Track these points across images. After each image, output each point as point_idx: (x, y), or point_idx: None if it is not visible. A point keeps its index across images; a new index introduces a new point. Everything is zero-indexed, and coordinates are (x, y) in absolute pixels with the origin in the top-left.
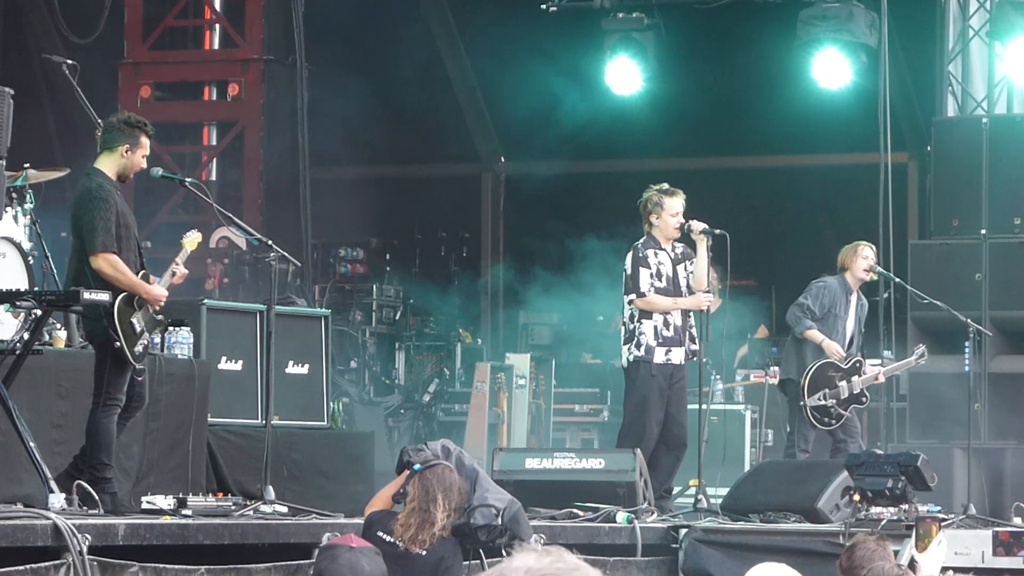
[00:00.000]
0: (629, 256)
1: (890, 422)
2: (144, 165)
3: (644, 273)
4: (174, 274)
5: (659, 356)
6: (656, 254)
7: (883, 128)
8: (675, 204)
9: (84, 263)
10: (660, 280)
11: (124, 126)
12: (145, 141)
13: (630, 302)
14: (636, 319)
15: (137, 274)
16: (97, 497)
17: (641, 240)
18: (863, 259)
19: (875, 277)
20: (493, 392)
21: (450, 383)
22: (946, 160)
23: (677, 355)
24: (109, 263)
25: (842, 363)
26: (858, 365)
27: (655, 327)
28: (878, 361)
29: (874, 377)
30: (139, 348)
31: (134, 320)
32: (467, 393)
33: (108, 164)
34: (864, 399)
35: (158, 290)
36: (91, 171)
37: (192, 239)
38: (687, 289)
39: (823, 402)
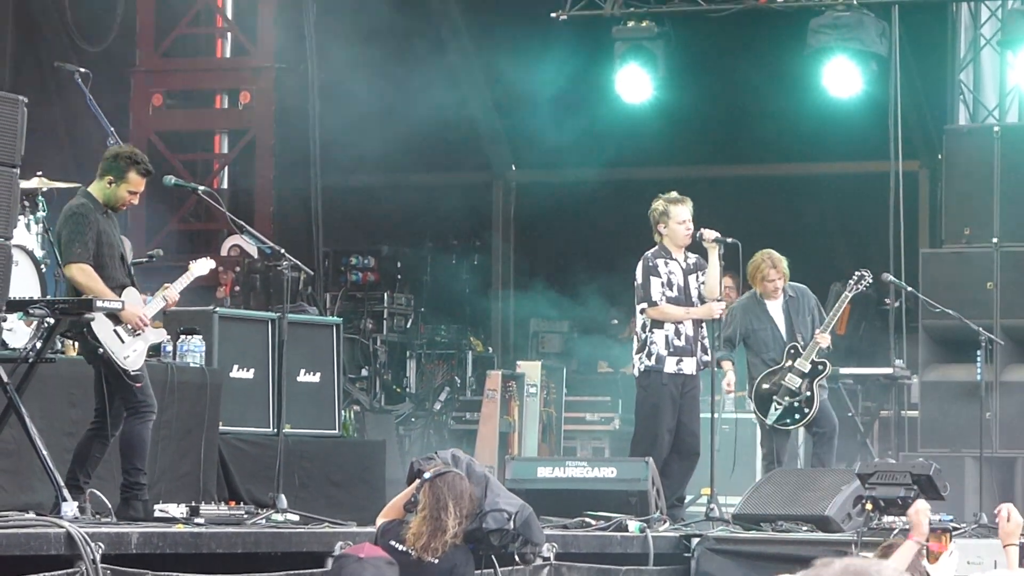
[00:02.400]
0: (640, 266)
1: (901, 431)
2: (132, 201)
3: (655, 282)
4: (166, 299)
5: (670, 366)
6: (667, 263)
7: (894, 137)
8: (682, 212)
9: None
10: (671, 290)
11: (115, 158)
12: (134, 177)
13: (642, 311)
14: (648, 328)
15: (122, 291)
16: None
17: (652, 250)
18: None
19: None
20: (504, 400)
21: (461, 391)
22: (958, 169)
23: (689, 365)
24: (83, 272)
25: (773, 364)
26: (792, 351)
27: (666, 336)
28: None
29: (816, 345)
30: (129, 354)
31: (118, 330)
32: (478, 401)
33: (97, 190)
34: (822, 368)
35: (136, 310)
36: (81, 193)
37: (203, 265)
38: (699, 300)
39: (782, 406)
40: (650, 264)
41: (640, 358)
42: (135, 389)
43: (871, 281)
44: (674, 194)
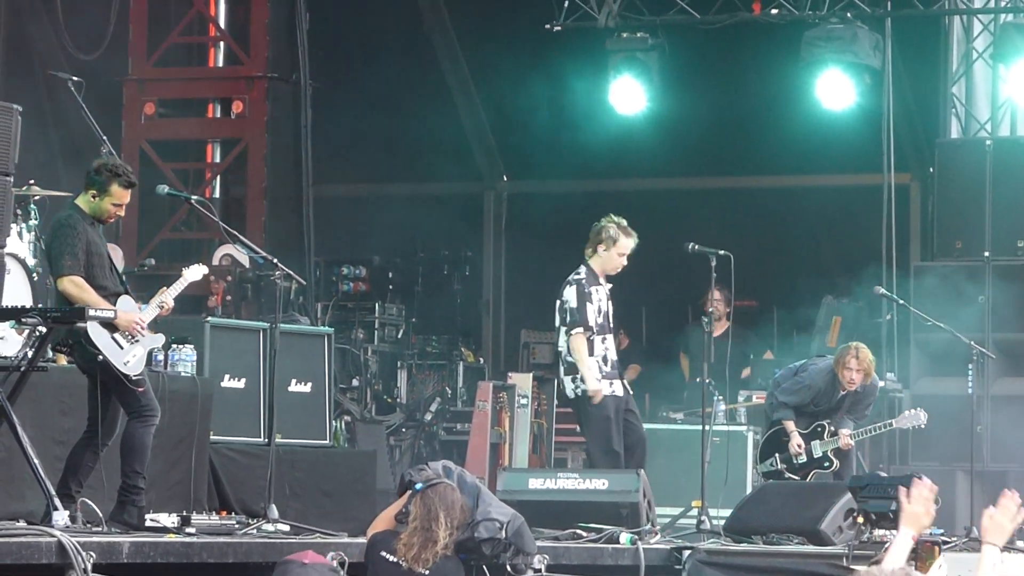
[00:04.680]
0: (573, 290)
1: (892, 444)
2: (119, 214)
3: (591, 309)
4: (161, 305)
5: (605, 389)
6: (597, 290)
7: (887, 149)
8: (629, 245)
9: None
10: (600, 316)
11: (97, 172)
12: (117, 190)
13: (569, 334)
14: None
15: (116, 299)
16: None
17: (584, 275)
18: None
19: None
20: (495, 411)
21: (452, 402)
22: (949, 182)
23: (618, 387)
24: (74, 283)
25: (797, 424)
26: (819, 430)
27: (597, 363)
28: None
29: (837, 441)
30: (129, 360)
31: (116, 336)
32: (469, 412)
33: (83, 203)
34: (828, 465)
35: (132, 315)
36: (68, 205)
37: (195, 271)
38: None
39: (774, 467)
40: (585, 291)
41: (573, 380)
42: (138, 394)
43: (923, 424)
44: (625, 223)
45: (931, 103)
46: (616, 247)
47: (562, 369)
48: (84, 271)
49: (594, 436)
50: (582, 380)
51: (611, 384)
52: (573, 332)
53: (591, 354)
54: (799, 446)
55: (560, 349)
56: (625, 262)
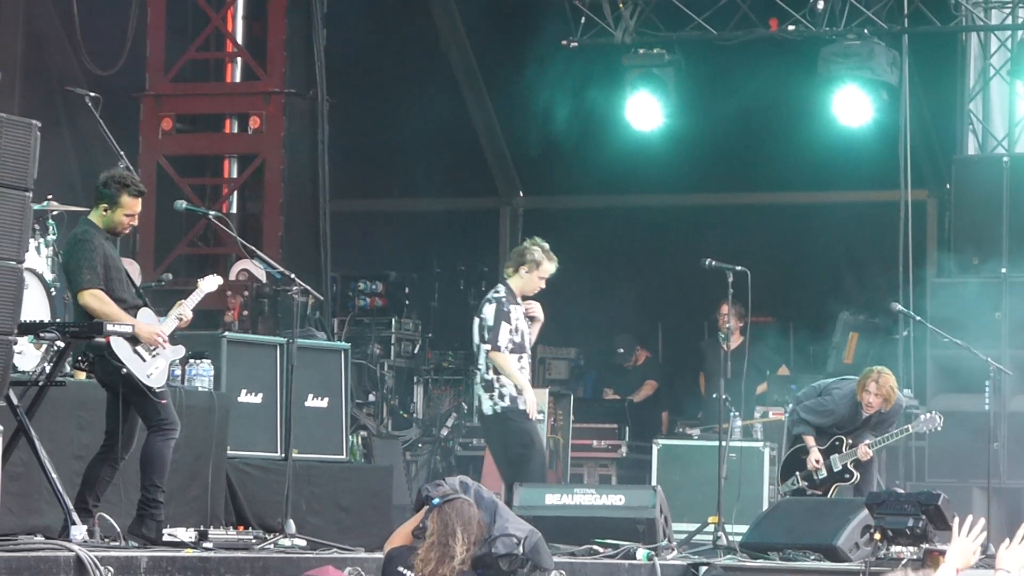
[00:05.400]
0: (492, 308)
1: (909, 461)
2: (132, 223)
3: (505, 328)
4: (180, 318)
5: (521, 404)
6: (515, 309)
7: (903, 165)
8: (551, 269)
9: (78, 306)
10: (517, 335)
11: (105, 185)
12: (128, 200)
13: (486, 352)
14: (495, 370)
15: (136, 312)
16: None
17: (503, 293)
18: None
19: None
20: None
21: (468, 417)
22: (966, 198)
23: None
24: (96, 297)
25: (816, 440)
26: (837, 443)
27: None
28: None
29: (855, 453)
30: (152, 372)
31: (138, 349)
32: None
33: (96, 218)
34: (848, 477)
35: (154, 327)
36: (82, 221)
37: (211, 282)
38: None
39: (796, 486)
40: (504, 310)
41: (491, 397)
42: (159, 406)
43: (940, 427)
44: (547, 246)
45: (948, 119)
46: (539, 270)
47: (480, 387)
48: (104, 284)
49: (514, 448)
50: (500, 398)
51: (524, 403)
52: (485, 348)
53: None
54: (817, 462)
55: (479, 367)
56: (544, 285)
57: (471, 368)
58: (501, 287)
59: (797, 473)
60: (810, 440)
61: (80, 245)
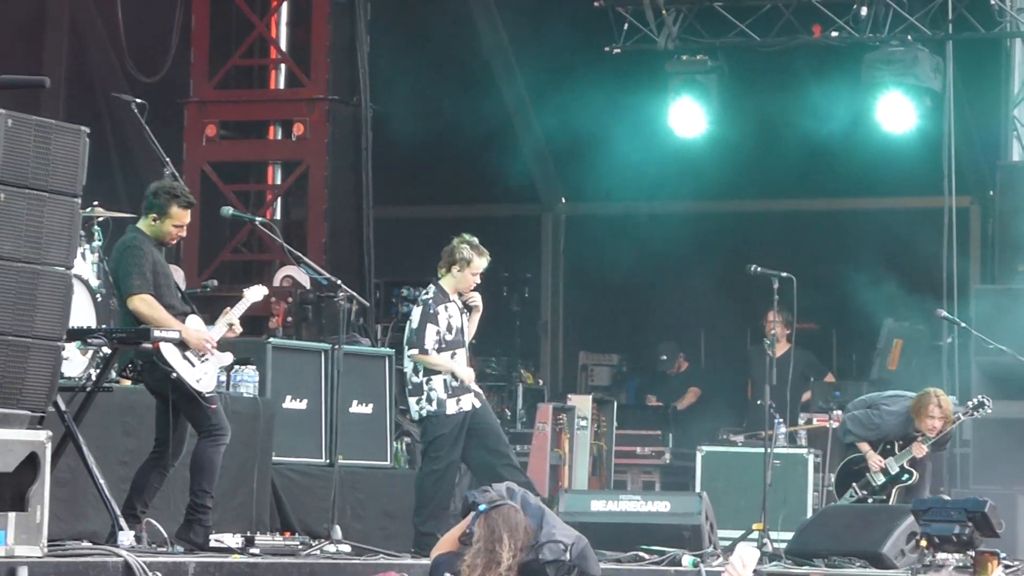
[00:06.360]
0: (419, 311)
1: (953, 467)
2: (180, 234)
3: (431, 330)
4: (230, 324)
5: (451, 407)
6: (446, 308)
7: (947, 172)
8: (482, 264)
9: (126, 312)
10: (451, 333)
11: (155, 194)
12: (176, 211)
13: (411, 356)
14: (423, 373)
15: (184, 318)
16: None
17: (432, 294)
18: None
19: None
20: (554, 433)
21: (512, 424)
22: (1010, 204)
23: (467, 401)
24: (145, 302)
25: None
26: (889, 447)
27: (444, 380)
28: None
29: (910, 452)
30: (201, 377)
31: (188, 355)
32: (529, 434)
33: (144, 227)
34: (907, 477)
35: (202, 333)
36: (130, 228)
37: (256, 291)
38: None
39: (855, 497)
40: (431, 311)
41: (419, 401)
42: (209, 412)
43: (990, 411)
44: (476, 240)
45: (992, 126)
46: (470, 268)
47: (407, 390)
48: (153, 290)
49: (429, 455)
50: (428, 402)
51: (458, 401)
52: (410, 352)
53: (438, 372)
54: (879, 462)
55: (405, 370)
56: (478, 280)
57: (513, 375)
58: (432, 288)
59: (854, 484)
60: (865, 446)
61: (129, 251)
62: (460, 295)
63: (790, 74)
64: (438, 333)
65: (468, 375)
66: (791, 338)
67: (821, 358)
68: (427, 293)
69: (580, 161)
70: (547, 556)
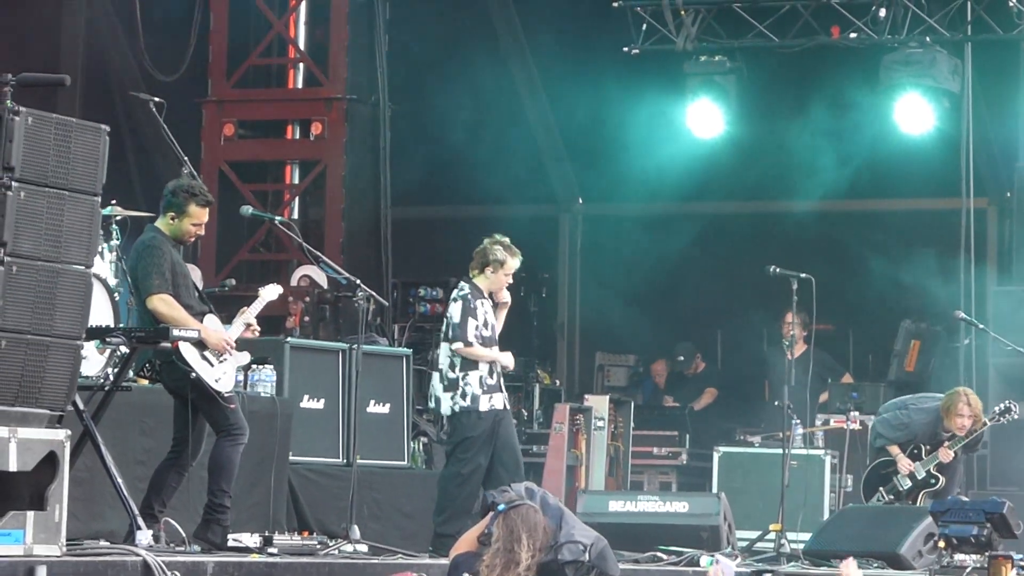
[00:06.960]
0: (459, 306)
1: (970, 469)
2: (199, 233)
3: (471, 324)
4: (248, 324)
5: (484, 404)
6: (483, 304)
7: (965, 174)
8: (515, 265)
9: (144, 312)
10: (487, 329)
11: (173, 193)
12: (195, 210)
13: (453, 350)
14: (460, 368)
15: (203, 318)
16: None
17: (468, 290)
18: None
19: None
20: (571, 433)
21: (528, 424)
22: None
23: (499, 400)
24: (164, 302)
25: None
26: (916, 452)
27: (480, 376)
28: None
29: (937, 457)
30: (220, 377)
31: (206, 354)
32: (545, 435)
33: (162, 226)
34: (934, 482)
35: (221, 333)
36: (149, 228)
37: (272, 290)
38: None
39: (882, 501)
40: (471, 305)
41: (452, 397)
42: (228, 411)
43: (1016, 416)
44: (508, 241)
45: (1010, 127)
46: (503, 268)
47: (441, 386)
48: (171, 290)
49: (457, 451)
50: (461, 397)
51: (491, 399)
52: (455, 346)
53: (475, 368)
54: (909, 465)
55: (441, 367)
56: (511, 280)
57: (530, 375)
58: (466, 285)
59: (881, 489)
60: (895, 449)
61: (148, 251)
62: (490, 294)
63: (808, 75)
64: (477, 328)
65: (510, 362)
66: (809, 339)
67: (838, 359)
68: (462, 289)
69: (597, 162)
70: (566, 556)
